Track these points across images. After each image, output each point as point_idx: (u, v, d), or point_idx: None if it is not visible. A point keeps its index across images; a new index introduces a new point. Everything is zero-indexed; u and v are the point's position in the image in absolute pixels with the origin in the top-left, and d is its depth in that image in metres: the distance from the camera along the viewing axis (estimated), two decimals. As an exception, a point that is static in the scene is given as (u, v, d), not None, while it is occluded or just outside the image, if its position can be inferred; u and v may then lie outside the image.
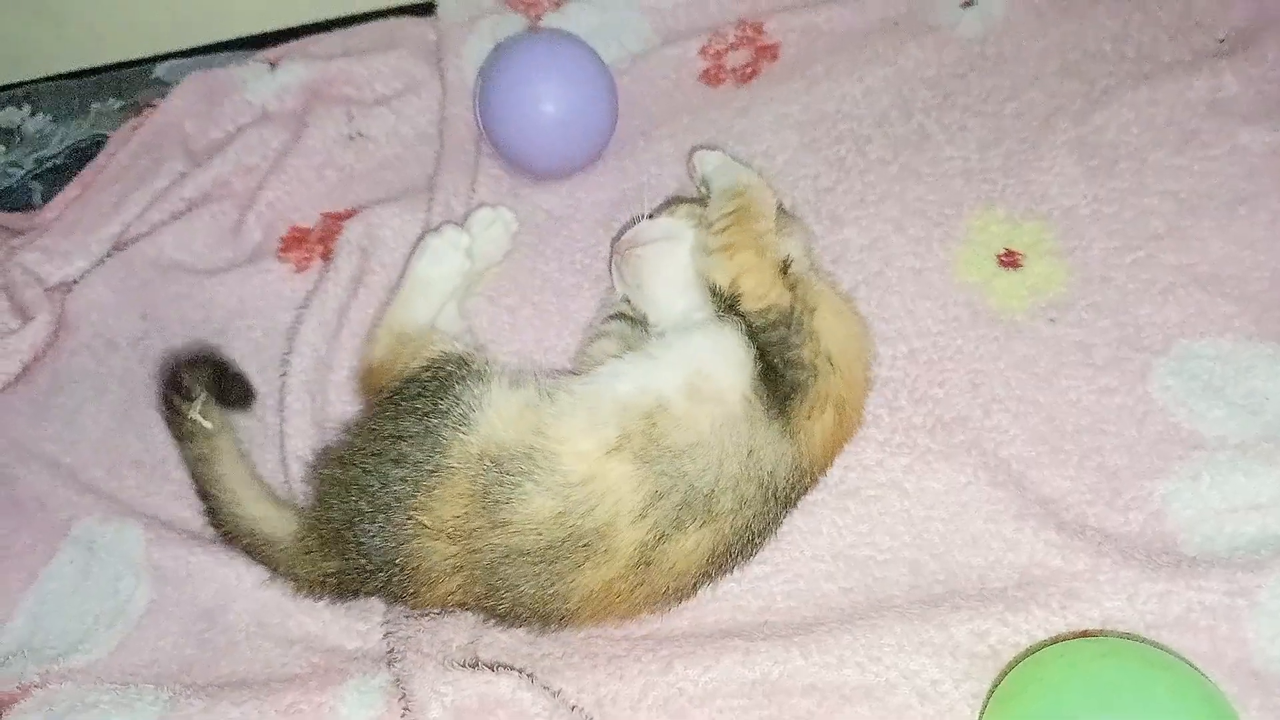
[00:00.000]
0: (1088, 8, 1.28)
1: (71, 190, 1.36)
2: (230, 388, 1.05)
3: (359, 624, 0.94)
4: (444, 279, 1.05)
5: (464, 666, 0.85)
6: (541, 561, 0.84)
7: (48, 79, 1.59)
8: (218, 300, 1.22)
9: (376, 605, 0.94)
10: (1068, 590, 0.85)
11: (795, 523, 0.95)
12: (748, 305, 0.92)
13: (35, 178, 1.44)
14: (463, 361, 0.94)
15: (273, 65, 1.42)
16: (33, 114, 1.53)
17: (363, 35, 1.45)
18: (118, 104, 1.51)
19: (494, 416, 0.88)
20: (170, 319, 1.22)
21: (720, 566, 0.89)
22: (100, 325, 1.23)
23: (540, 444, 0.86)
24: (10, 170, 1.46)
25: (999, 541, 0.91)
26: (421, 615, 0.91)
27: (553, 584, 0.85)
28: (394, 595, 0.89)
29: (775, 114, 1.26)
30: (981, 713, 0.80)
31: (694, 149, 1.13)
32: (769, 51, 1.35)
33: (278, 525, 0.95)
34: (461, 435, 0.87)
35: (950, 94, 1.25)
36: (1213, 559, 0.86)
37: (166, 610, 0.98)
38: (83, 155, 1.44)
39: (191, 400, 1.01)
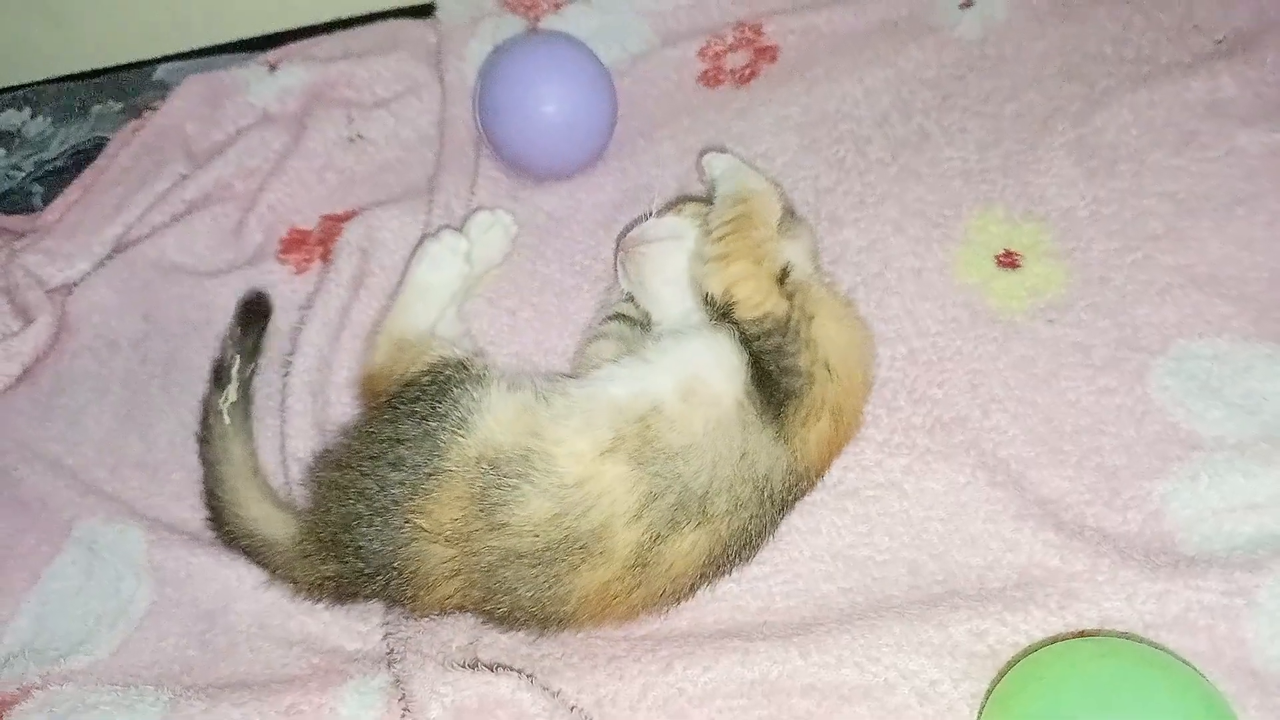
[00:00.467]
0: (1087, 10, 1.29)
1: (72, 192, 1.36)
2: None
3: (359, 625, 0.94)
4: (443, 284, 1.06)
5: (464, 667, 0.85)
6: (539, 564, 0.84)
7: (48, 81, 1.59)
8: (219, 302, 1.22)
9: (376, 606, 0.94)
10: (1066, 590, 0.85)
11: (794, 523, 0.95)
12: (741, 314, 0.92)
13: (36, 180, 1.45)
14: (461, 366, 0.94)
15: (273, 67, 1.42)
16: (33, 116, 1.53)
17: (363, 37, 1.46)
18: (118, 106, 1.51)
19: (491, 420, 0.88)
20: (171, 320, 1.22)
21: (718, 569, 0.90)
22: (102, 327, 1.23)
23: (536, 446, 0.86)
24: (11, 173, 1.46)
25: (998, 542, 0.91)
26: (421, 618, 0.91)
27: (550, 586, 0.85)
28: (392, 599, 0.90)
29: (775, 115, 1.26)
30: (980, 713, 0.80)
31: (704, 151, 1.13)
32: (768, 53, 1.35)
33: (278, 528, 0.95)
34: (460, 439, 0.87)
35: (950, 95, 1.25)
36: (1211, 559, 0.86)
37: (168, 611, 0.98)
38: (83, 157, 1.44)
39: (224, 388, 1.04)
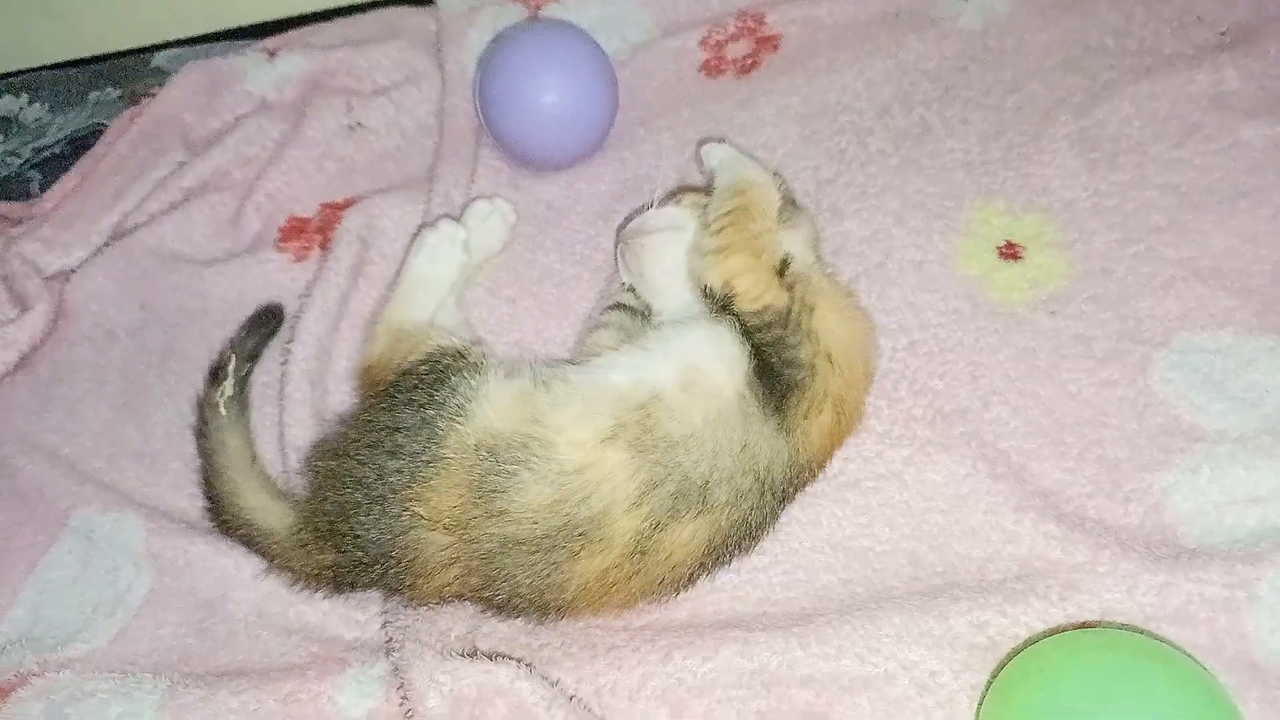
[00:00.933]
0: (1089, 2, 1.28)
1: (70, 180, 1.36)
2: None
3: (357, 614, 0.94)
4: (442, 275, 1.05)
5: (462, 656, 0.85)
6: (538, 550, 0.84)
7: (46, 68, 1.58)
8: (217, 290, 1.22)
9: (375, 595, 0.94)
10: (1067, 582, 0.85)
11: (794, 514, 0.95)
12: (742, 306, 0.91)
13: (33, 167, 1.44)
14: (459, 354, 0.94)
15: (272, 55, 1.42)
16: (30, 103, 1.52)
17: (362, 26, 1.45)
18: (116, 93, 1.50)
19: (489, 408, 0.88)
20: (169, 309, 1.22)
21: (718, 559, 0.89)
22: (99, 315, 1.23)
23: (536, 433, 0.86)
24: (8, 159, 1.46)
25: (998, 533, 0.90)
26: (419, 607, 0.91)
27: (549, 573, 0.85)
28: (391, 588, 0.89)
29: (776, 106, 1.26)
30: (980, 704, 0.80)
31: (702, 141, 1.12)
32: (770, 43, 1.34)
33: (275, 518, 0.95)
34: (458, 426, 0.87)
35: (951, 87, 1.25)
36: (1212, 551, 0.85)
37: (165, 600, 0.98)
38: (81, 145, 1.43)
39: (220, 383, 1.04)
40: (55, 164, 1.43)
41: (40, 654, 0.94)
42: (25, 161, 1.45)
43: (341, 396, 1.07)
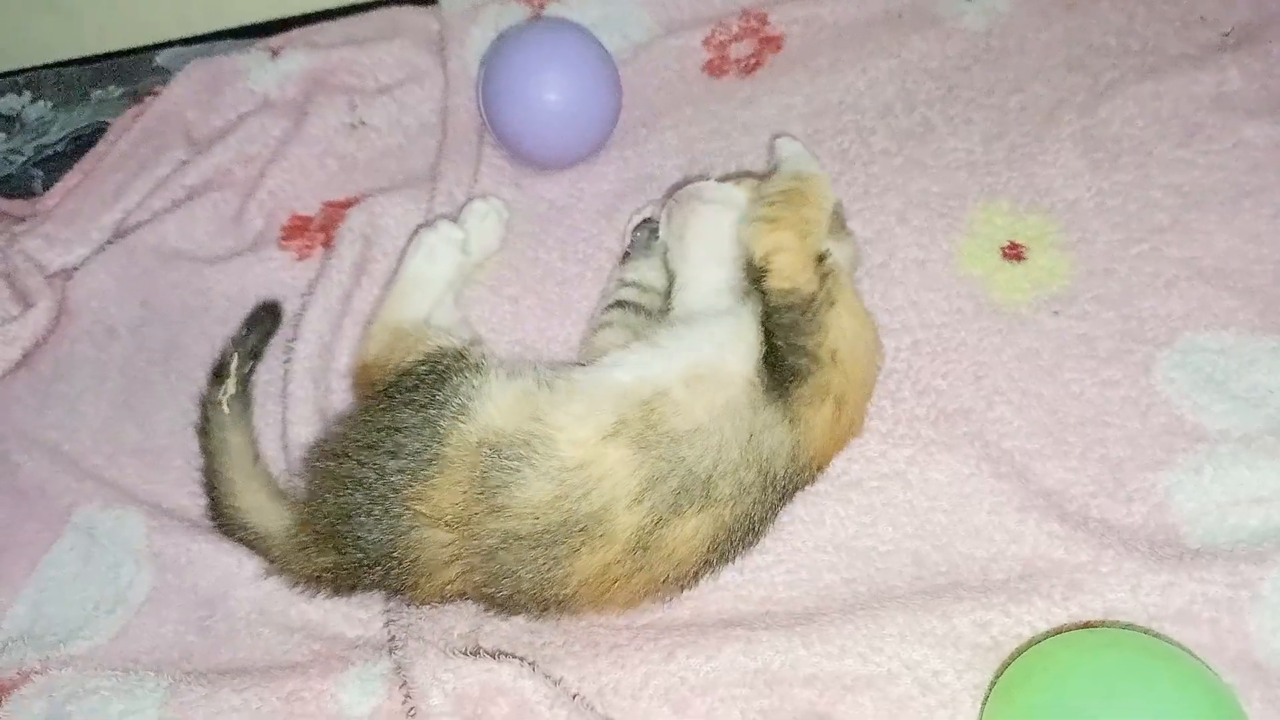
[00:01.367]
0: (1091, 2, 1.28)
1: (72, 177, 1.35)
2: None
3: (360, 612, 0.94)
4: (439, 275, 1.06)
5: (465, 654, 0.85)
6: (539, 546, 0.84)
7: (49, 66, 1.58)
8: (219, 288, 1.22)
9: (377, 594, 0.94)
10: (1070, 582, 0.85)
11: (797, 513, 0.95)
12: (774, 282, 0.92)
13: (36, 165, 1.44)
14: (459, 355, 0.94)
15: (275, 53, 1.41)
16: (33, 101, 1.52)
17: (365, 24, 1.45)
18: (119, 91, 1.50)
19: (492, 407, 0.88)
20: (171, 307, 1.22)
21: (721, 555, 0.89)
22: (101, 313, 1.23)
23: (538, 430, 0.86)
24: (11, 157, 1.45)
25: (1002, 533, 0.90)
26: (422, 606, 0.91)
27: (550, 569, 0.84)
28: (392, 588, 0.89)
29: (779, 105, 1.26)
30: (983, 704, 0.80)
31: (776, 136, 1.13)
32: (773, 43, 1.34)
33: (273, 520, 0.95)
34: (460, 425, 0.87)
35: (954, 86, 1.25)
36: (1215, 551, 0.85)
37: (167, 598, 0.98)
38: (84, 143, 1.43)
39: (222, 381, 1.04)
40: (58, 162, 1.43)
41: (42, 651, 0.94)
42: (28, 159, 1.45)
43: (344, 395, 1.07)
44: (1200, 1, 1.25)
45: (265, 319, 1.14)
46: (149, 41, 1.57)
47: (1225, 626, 0.82)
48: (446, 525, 0.85)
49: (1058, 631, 0.81)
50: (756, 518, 0.89)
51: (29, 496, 1.07)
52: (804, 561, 0.92)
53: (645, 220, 1.12)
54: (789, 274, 0.93)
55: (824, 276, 0.94)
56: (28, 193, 1.40)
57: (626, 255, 1.12)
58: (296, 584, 0.93)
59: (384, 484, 0.86)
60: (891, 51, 1.28)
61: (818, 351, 0.90)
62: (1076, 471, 0.94)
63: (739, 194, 1.02)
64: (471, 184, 1.22)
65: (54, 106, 1.51)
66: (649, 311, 1.05)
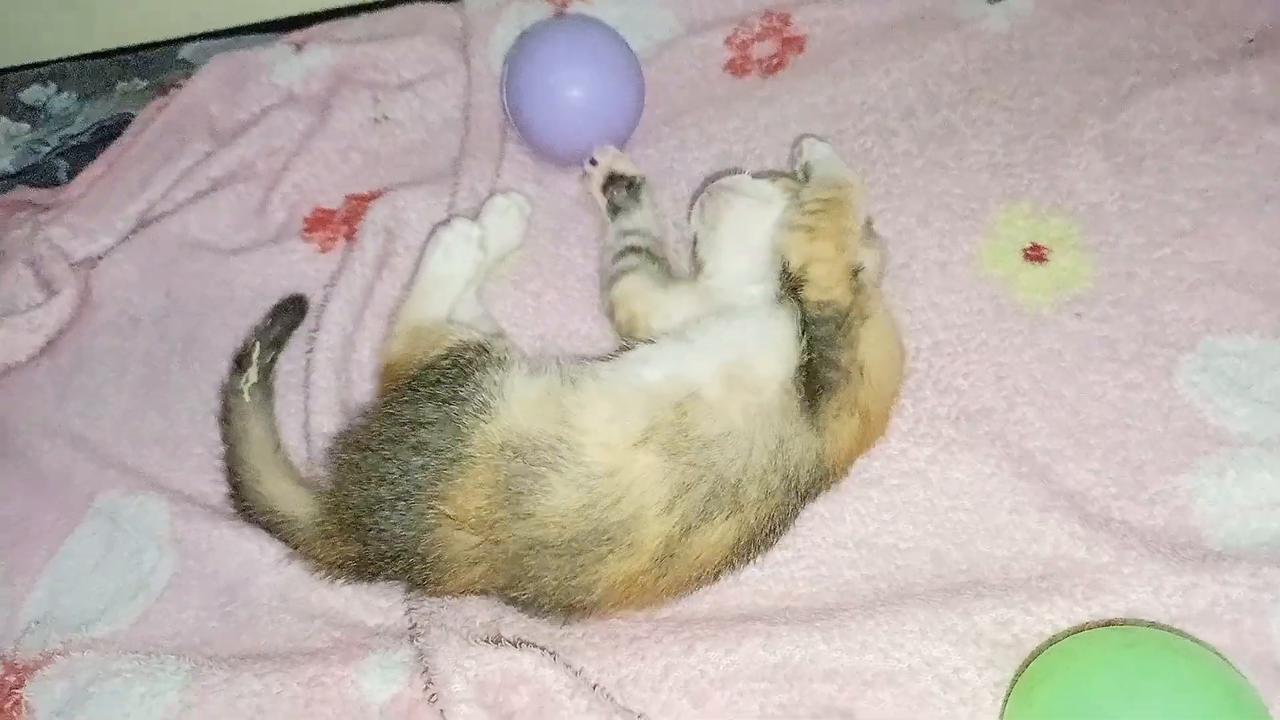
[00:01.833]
0: (1115, 6, 1.28)
1: (97, 168, 1.37)
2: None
3: (381, 601, 0.94)
4: (458, 273, 1.06)
5: (487, 642, 0.85)
6: (565, 554, 0.84)
7: (74, 58, 1.59)
8: (241, 279, 1.23)
9: (398, 583, 0.94)
10: (1092, 582, 0.85)
11: (818, 510, 0.95)
12: (810, 294, 0.92)
13: (61, 155, 1.45)
14: (482, 348, 0.94)
15: (299, 48, 1.43)
16: (59, 92, 1.53)
17: (389, 20, 1.46)
18: (143, 84, 1.52)
19: (515, 404, 0.88)
20: (194, 297, 1.23)
21: (744, 555, 0.89)
22: (124, 302, 1.24)
23: (564, 434, 0.85)
24: (36, 147, 1.47)
25: (1023, 533, 0.90)
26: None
27: (575, 576, 0.84)
28: (414, 582, 0.89)
29: (801, 105, 1.26)
30: (1005, 701, 0.80)
31: (802, 136, 1.12)
32: (795, 43, 1.35)
33: (298, 506, 0.95)
34: (483, 423, 0.86)
35: (976, 89, 1.25)
36: (1238, 554, 0.85)
37: (189, 583, 0.99)
38: (108, 134, 1.44)
39: (244, 371, 1.05)
40: (82, 152, 1.44)
41: (65, 634, 0.95)
42: (53, 150, 1.46)
43: (365, 385, 1.08)
44: (1222, 6, 1.25)
45: (290, 311, 1.14)
46: (173, 35, 1.58)
47: (1247, 628, 0.82)
48: (471, 528, 0.84)
49: (1080, 629, 0.81)
50: (779, 519, 0.89)
51: (51, 482, 1.07)
52: (824, 558, 0.92)
53: (613, 177, 1.15)
54: (826, 285, 0.92)
55: (858, 290, 0.93)
56: (52, 182, 1.41)
57: (615, 211, 1.13)
58: (319, 570, 0.93)
59: (407, 480, 0.86)
60: (913, 53, 1.28)
61: (849, 367, 0.90)
62: (1098, 473, 0.94)
63: (775, 191, 1.02)
64: (494, 179, 1.23)
65: (79, 98, 1.53)
66: (660, 259, 1.06)
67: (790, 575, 0.92)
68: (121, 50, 1.59)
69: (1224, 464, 0.91)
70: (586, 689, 0.83)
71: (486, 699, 0.82)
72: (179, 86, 1.42)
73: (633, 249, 1.07)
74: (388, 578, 0.90)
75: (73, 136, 1.47)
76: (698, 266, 1.04)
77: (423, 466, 0.86)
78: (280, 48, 1.43)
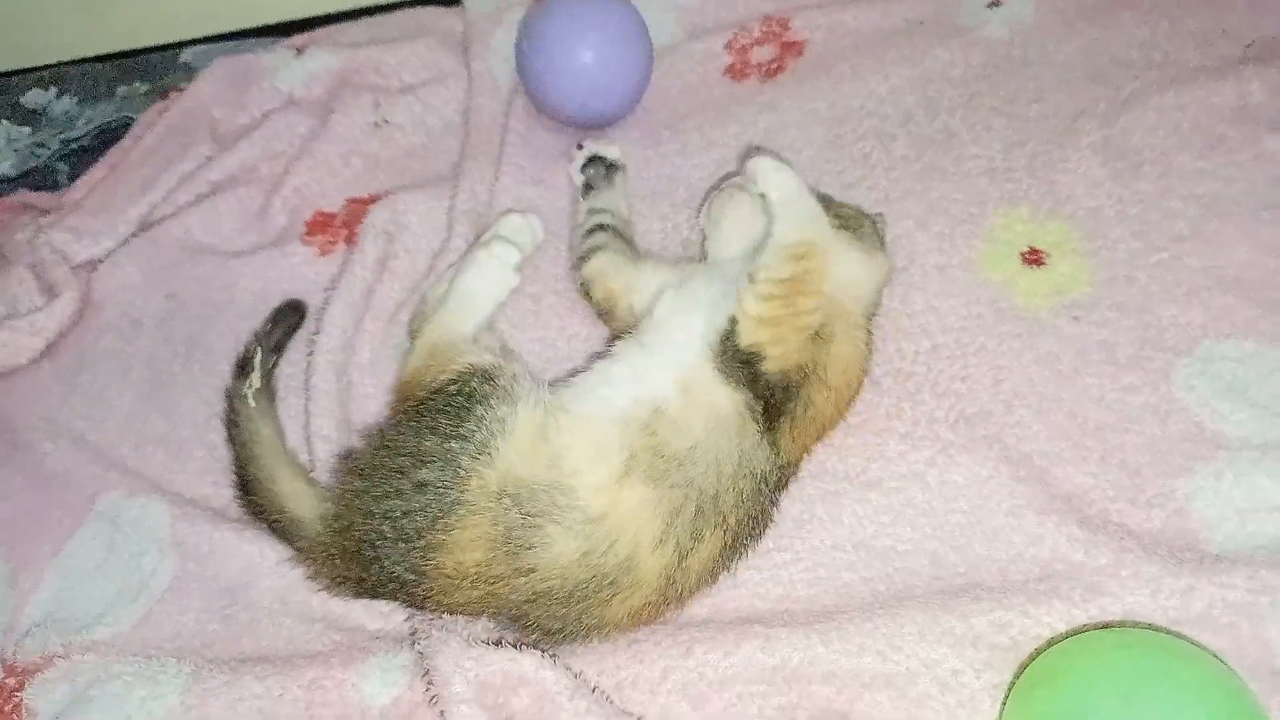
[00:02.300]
0: (1114, 13, 1.29)
1: (98, 171, 1.37)
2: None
3: (382, 605, 0.94)
4: (489, 294, 1.03)
5: (488, 644, 0.85)
6: (569, 602, 0.84)
7: (75, 62, 1.60)
8: (242, 282, 1.23)
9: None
10: (1090, 584, 0.85)
11: (816, 512, 0.95)
12: (764, 366, 0.90)
13: (62, 158, 1.46)
14: (488, 376, 0.91)
15: (300, 52, 1.43)
16: (59, 96, 1.54)
17: (390, 25, 1.47)
18: (144, 88, 1.52)
19: (512, 449, 0.86)
20: (195, 299, 1.23)
21: (732, 557, 0.90)
22: (126, 304, 1.24)
23: (556, 479, 0.85)
24: (37, 151, 1.47)
25: (1021, 535, 0.91)
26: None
27: (579, 618, 0.85)
28: (416, 608, 0.90)
29: (801, 110, 1.27)
30: (1003, 703, 0.80)
31: (751, 149, 1.12)
32: (795, 48, 1.35)
33: (307, 506, 0.95)
34: (480, 468, 0.85)
35: (975, 94, 1.25)
36: (1236, 557, 0.86)
37: (189, 586, 0.99)
38: (109, 137, 1.45)
39: (247, 376, 1.05)
40: (83, 156, 1.44)
41: (65, 636, 0.95)
42: (54, 153, 1.47)
43: (366, 388, 1.09)
44: (1222, 14, 1.26)
45: (289, 315, 1.15)
46: (175, 39, 1.59)
47: (1245, 632, 0.82)
48: (471, 583, 0.84)
49: (1078, 632, 0.82)
50: (757, 516, 0.90)
51: (53, 483, 1.08)
52: (822, 560, 0.93)
53: (593, 158, 1.17)
54: (780, 363, 0.90)
55: (815, 338, 0.91)
56: (54, 186, 1.42)
57: (587, 189, 1.15)
58: (320, 581, 0.93)
59: (409, 522, 0.84)
60: (914, 59, 1.28)
61: (810, 394, 0.91)
62: (1096, 476, 0.94)
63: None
64: (494, 183, 1.23)
65: (80, 102, 1.53)
66: (627, 239, 1.08)
67: (789, 578, 0.92)
68: (123, 54, 1.59)
69: (1221, 467, 0.92)
70: (586, 691, 0.83)
71: (487, 700, 0.82)
72: (180, 90, 1.42)
73: (601, 226, 1.08)
74: (389, 599, 0.91)
75: (74, 140, 1.47)
76: (627, 230, 1.08)
77: (423, 509, 0.84)
78: (282, 52, 1.44)
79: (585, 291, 1.08)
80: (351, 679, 0.86)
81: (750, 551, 0.92)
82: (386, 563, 0.86)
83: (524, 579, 0.83)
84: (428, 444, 0.87)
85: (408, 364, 0.99)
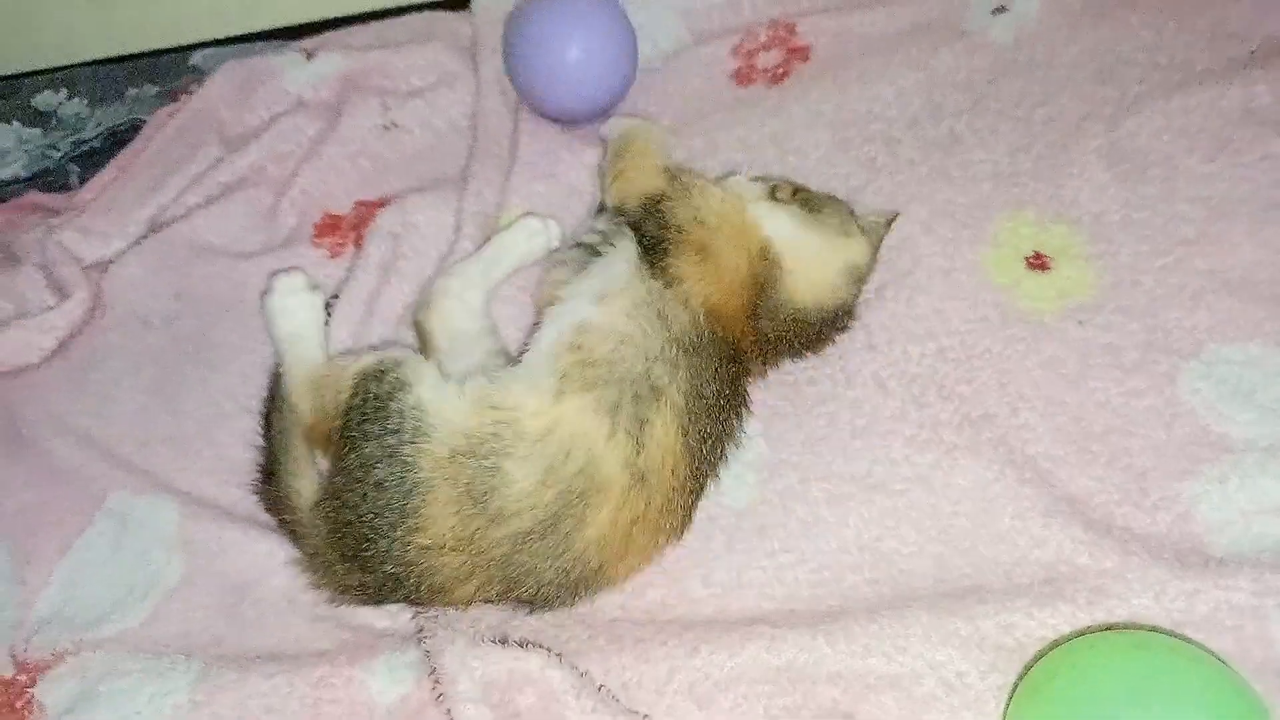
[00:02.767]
0: (1120, 16, 1.29)
1: (109, 173, 1.37)
2: None
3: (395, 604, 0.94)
4: (310, 323, 1.07)
5: (494, 643, 0.86)
6: (548, 534, 0.85)
7: (85, 64, 1.60)
8: (251, 283, 1.23)
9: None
10: (1095, 587, 0.85)
11: (821, 514, 0.96)
12: (625, 204, 1.04)
13: (72, 160, 1.46)
14: (380, 374, 0.93)
15: (309, 55, 1.43)
16: (70, 98, 1.54)
17: (399, 28, 1.47)
18: (154, 90, 1.52)
19: (449, 413, 0.89)
20: (204, 300, 1.23)
21: (699, 440, 0.91)
22: (135, 304, 1.24)
23: (499, 417, 0.89)
24: (48, 152, 1.48)
25: (1026, 538, 0.91)
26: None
27: (566, 549, 0.86)
28: (419, 604, 0.91)
29: (807, 114, 1.27)
30: (1007, 705, 0.80)
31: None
32: (801, 53, 1.36)
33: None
34: (424, 446, 0.87)
35: (981, 98, 1.26)
36: (1241, 560, 0.86)
37: (198, 584, 0.99)
38: (119, 139, 1.45)
39: None
40: (94, 157, 1.45)
41: (74, 633, 0.95)
42: (64, 154, 1.47)
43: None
44: (1229, 17, 1.26)
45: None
46: (184, 41, 1.59)
47: (1250, 634, 0.82)
48: (452, 549, 0.86)
49: (1082, 634, 0.82)
50: (699, 388, 0.92)
51: (63, 481, 1.08)
52: (827, 561, 0.93)
53: None
54: (624, 192, 1.05)
55: (673, 179, 1.03)
56: (64, 187, 1.42)
57: (602, 207, 1.15)
58: (326, 589, 0.93)
59: (381, 520, 0.87)
60: (919, 63, 1.29)
61: (683, 224, 0.99)
62: (1101, 479, 0.95)
63: (751, 185, 1.08)
64: (502, 185, 1.24)
65: (90, 104, 1.54)
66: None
67: (794, 579, 0.93)
68: (133, 56, 1.60)
69: (1227, 471, 0.92)
70: (592, 690, 0.84)
71: (493, 699, 0.83)
72: (189, 92, 1.43)
73: (581, 244, 1.09)
74: (394, 601, 0.91)
75: (84, 141, 1.48)
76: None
77: (387, 504, 0.86)
78: (291, 54, 1.44)
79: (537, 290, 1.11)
80: (359, 676, 0.87)
81: (718, 439, 0.94)
82: (375, 564, 0.87)
83: (499, 528, 0.85)
84: (369, 449, 0.89)
85: (302, 411, 0.99)
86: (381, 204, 1.27)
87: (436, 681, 0.84)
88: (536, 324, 1.02)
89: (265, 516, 1.00)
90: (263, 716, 0.87)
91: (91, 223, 1.29)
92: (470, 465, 0.86)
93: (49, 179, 1.44)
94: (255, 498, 1.01)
